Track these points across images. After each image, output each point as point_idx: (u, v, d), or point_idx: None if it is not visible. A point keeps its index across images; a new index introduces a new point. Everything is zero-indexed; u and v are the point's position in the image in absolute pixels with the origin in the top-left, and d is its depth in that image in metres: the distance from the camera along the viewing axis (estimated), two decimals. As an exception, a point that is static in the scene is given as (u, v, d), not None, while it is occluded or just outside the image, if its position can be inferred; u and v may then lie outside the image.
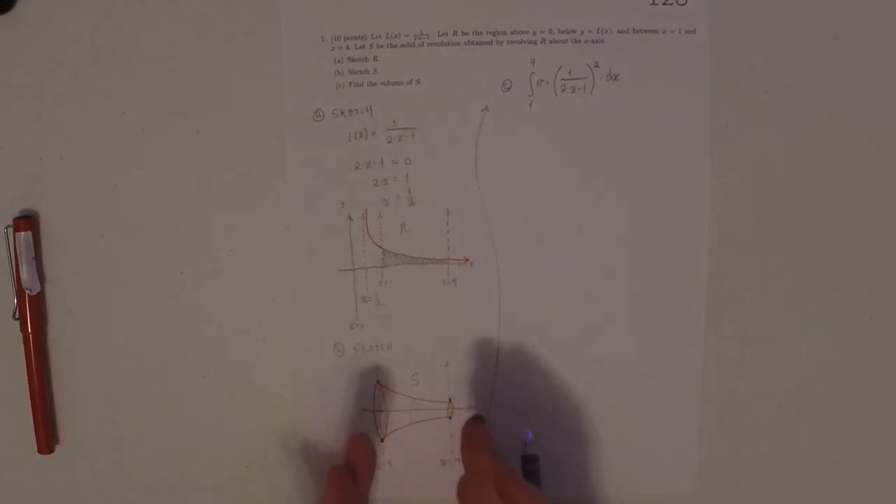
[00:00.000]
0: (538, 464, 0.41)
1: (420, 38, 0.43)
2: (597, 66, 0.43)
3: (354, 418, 0.45)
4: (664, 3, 0.43)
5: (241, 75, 0.43)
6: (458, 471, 0.45)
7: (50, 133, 0.43)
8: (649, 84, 0.43)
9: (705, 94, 0.43)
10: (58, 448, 0.45)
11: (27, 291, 0.43)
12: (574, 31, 0.43)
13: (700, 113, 0.43)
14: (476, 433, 0.44)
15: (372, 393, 0.45)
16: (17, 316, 0.43)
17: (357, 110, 0.43)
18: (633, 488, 0.45)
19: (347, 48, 0.43)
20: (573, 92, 0.43)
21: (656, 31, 0.43)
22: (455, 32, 0.43)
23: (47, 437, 0.44)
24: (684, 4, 0.43)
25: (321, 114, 0.43)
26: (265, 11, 0.43)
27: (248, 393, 0.44)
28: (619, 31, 0.43)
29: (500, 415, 0.45)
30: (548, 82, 0.43)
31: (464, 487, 0.42)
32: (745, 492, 0.43)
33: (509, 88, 0.43)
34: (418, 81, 0.43)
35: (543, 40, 0.43)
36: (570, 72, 0.43)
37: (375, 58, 0.43)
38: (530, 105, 0.43)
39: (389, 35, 0.43)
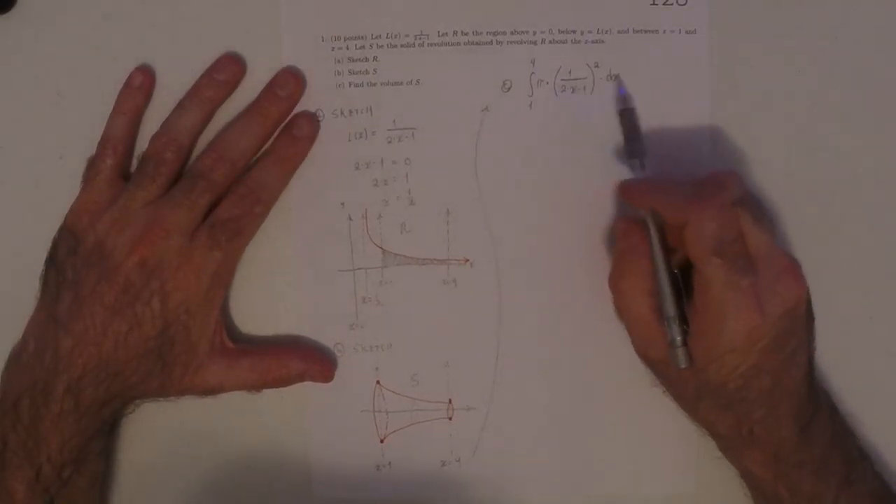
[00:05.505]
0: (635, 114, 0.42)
1: (420, 39, 0.43)
2: (597, 66, 0.43)
3: (354, 418, 0.45)
4: (664, 3, 0.43)
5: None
6: (457, 471, 0.45)
7: (50, 133, 0.44)
8: (649, 84, 0.43)
9: (705, 94, 0.43)
10: (58, 448, 0.45)
11: (27, 291, 0.43)
12: (574, 31, 0.43)
13: (700, 113, 0.43)
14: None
15: (372, 393, 0.45)
16: (17, 316, 0.43)
17: (357, 110, 0.43)
18: (633, 488, 0.45)
19: (347, 48, 0.43)
20: (573, 92, 0.43)
21: (656, 31, 0.43)
22: (455, 32, 0.43)
23: (47, 437, 0.44)
24: (684, 4, 0.43)
25: (321, 114, 0.43)
26: (265, 11, 0.43)
27: (248, 393, 0.44)
28: (619, 31, 0.43)
29: (500, 415, 0.45)
30: (548, 82, 0.43)
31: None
32: (745, 492, 0.43)
33: (509, 88, 0.43)
34: (418, 82, 0.43)
35: (543, 40, 0.43)
36: (570, 72, 0.43)
37: (375, 58, 0.43)
38: (530, 105, 0.43)
39: (389, 35, 0.43)
